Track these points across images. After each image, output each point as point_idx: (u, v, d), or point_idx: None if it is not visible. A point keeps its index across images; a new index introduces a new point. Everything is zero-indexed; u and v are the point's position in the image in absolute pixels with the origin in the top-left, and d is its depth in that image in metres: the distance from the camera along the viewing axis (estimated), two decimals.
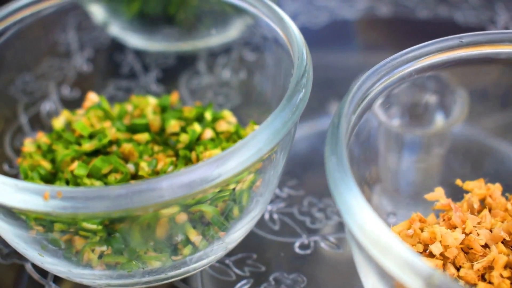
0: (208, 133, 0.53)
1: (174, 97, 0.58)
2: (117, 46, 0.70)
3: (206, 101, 0.64)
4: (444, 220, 0.47)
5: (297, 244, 0.53)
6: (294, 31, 0.48)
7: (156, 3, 0.63)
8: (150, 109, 0.56)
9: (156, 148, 0.53)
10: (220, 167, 0.40)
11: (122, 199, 0.39)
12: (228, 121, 0.55)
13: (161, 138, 0.54)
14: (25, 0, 0.54)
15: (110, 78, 0.67)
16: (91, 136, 0.53)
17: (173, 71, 0.68)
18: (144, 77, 0.67)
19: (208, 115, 0.55)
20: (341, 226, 0.54)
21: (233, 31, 0.66)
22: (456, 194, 0.50)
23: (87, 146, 0.52)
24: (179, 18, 0.66)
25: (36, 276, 0.52)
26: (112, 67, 0.69)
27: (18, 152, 0.58)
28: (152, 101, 0.57)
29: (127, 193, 0.39)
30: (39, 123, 0.62)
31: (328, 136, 0.41)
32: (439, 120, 0.62)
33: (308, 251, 0.53)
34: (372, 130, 0.52)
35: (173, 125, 0.54)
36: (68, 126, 0.56)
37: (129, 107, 0.57)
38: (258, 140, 0.41)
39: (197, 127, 0.53)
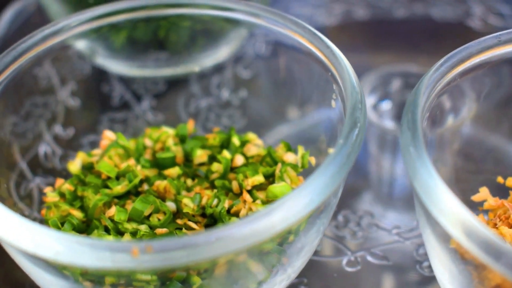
0: (240, 160, 0.51)
1: (190, 125, 0.55)
2: (101, 76, 0.66)
3: (210, 124, 0.62)
4: (501, 220, 0.47)
5: (344, 262, 0.52)
6: (344, 62, 0.46)
7: (145, 28, 0.60)
8: (171, 141, 0.53)
9: (189, 181, 0.50)
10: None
11: (207, 246, 0.36)
12: (255, 144, 0.53)
13: (190, 170, 0.51)
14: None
15: (101, 111, 0.64)
16: (117, 177, 0.50)
17: (167, 97, 0.65)
18: (137, 106, 0.64)
19: (236, 140, 0.52)
20: (382, 237, 0.53)
21: (226, 49, 0.64)
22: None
23: (119, 188, 0.48)
24: (170, 42, 0.63)
25: None
26: (101, 98, 0.65)
27: (24, 199, 0.54)
28: (168, 131, 0.55)
29: (212, 240, 0.37)
30: (40, 167, 0.57)
31: (404, 113, 0.42)
32: (449, 119, 0.62)
33: (359, 267, 0.51)
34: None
35: (201, 155, 0.51)
36: (85, 168, 0.52)
37: (147, 141, 0.54)
38: (323, 181, 0.40)
39: (227, 154, 0.51)
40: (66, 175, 0.56)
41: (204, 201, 0.47)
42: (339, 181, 0.40)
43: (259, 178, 0.48)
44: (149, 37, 0.62)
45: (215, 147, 0.53)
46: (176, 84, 0.66)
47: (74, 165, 0.52)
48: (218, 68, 0.65)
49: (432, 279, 0.50)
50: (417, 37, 0.75)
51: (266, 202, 0.48)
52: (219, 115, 0.63)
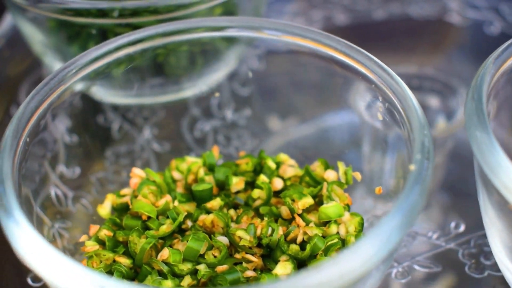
0: (279, 183, 0.49)
1: (216, 152, 0.53)
2: (94, 107, 0.63)
3: (221, 147, 0.60)
4: None
5: (393, 274, 0.51)
6: (410, 96, 0.45)
7: (143, 57, 0.57)
8: (202, 171, 0.50)
9: (232, 212, 0.48)
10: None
11: None
12: (290, 165, 0.51)
13: (229, 199, 0.49)
14: None
15: (103, 145, 0.60)
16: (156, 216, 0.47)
17: (168, 124, 0.62)
18: (139, 136, 0.61)
19: (271, 163, 0.50)
20: (425, 246, 0.53)
21: (226, 67, 0.62)
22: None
23: (164, 228, 0.46)
24: (168, 67, 0.60)
25: None
26: (99, 132, 0.62)
27: None
28: (192, 160, 0.52)
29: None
30: (55, 211, 0.54)
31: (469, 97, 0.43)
32: (441, 123, 0.62)
33: (409, 278, 0.51)
34: None
35: (237, 183, 0.49)
36: (117, 210, 0.49)
37: (175, 174, 0.51)
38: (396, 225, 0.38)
39: (265, 178, 0.49)
40: (80, 218, 0.53)
41: (258, 231, 0.45)
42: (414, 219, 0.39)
43: (308, 201, 0.47)
44: (147, 65, 0.59)
45: (248, 173, 0.51)
46: (174, 109, 0.63)
47: (104, 209, 0.49)
48: (215, 88, 0.63)
49: (480, 280, 0.50)
50: (397, 37, 0.75)
51: (320, 224, 0.47)
52: (228, 137, 0.60)
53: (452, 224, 0.54)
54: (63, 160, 0.57)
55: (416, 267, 0.51)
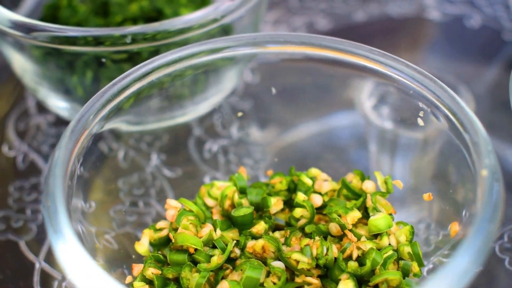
0: (318, 199, 0.48)
1: (244, 173, 0.51)
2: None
3: (233, 166, 0.58)
4: None
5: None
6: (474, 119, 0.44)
7: (149, 87, 0.55)
8: (237, 195, 0.49)
9: (277, 234, 0.47)
10: None
11: None
12: (324, 179, 0.50)
13: (270, 221, 0.48)
14: None
15: (113, 177, 0.58)
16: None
17: (174, 148, 0.60)
18: (148, 164, 0.59)
19: (307, 180, 0.49)
20: None
21: (229, 84, 0.61)
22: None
23: (215, 260, 0.44)
24: (173, 91, 0.58)
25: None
26: (105, 162, 0.59)
27: None
28: (221, 184, 0.51)
29: None
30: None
31: None
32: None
33: None
34: None
35: (276, 203, 0.48)
36: (155, 245, 0.47)
37: (208, 201, 0.49)
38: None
39: (303, 196, 0.48)
40: (108, 254, 0.51)
41: (314, 251, 0.44)
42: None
43: (356, 214, 0.46)
44: (152, 93, 0.57)
45: (283, 191, 0.49)
46: (177, 132, 0.61)
47: (142, 245, 0.47)
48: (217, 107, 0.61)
49: None
50: (379, 37, 0.75)
51: (371, 238, 0.46)
52: (239, 155, 0.59)
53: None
54: (78, 194, 0.55)
55: None
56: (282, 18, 0.75)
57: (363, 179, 0.49)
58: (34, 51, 0.56)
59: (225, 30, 0.58)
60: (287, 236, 0.46)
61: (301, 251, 0.44)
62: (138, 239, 0.48)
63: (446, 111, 0.45)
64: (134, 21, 0.61)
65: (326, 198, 0.49)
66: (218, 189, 0.50)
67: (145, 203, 0.56)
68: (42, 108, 0.65)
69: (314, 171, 0.51)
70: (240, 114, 0.60)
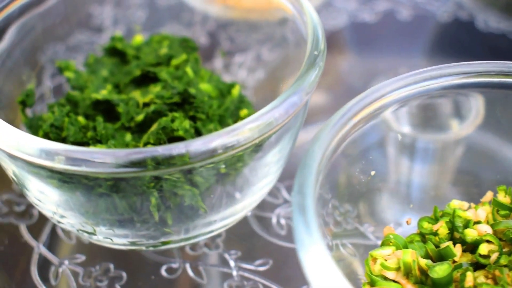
0: (486, 228, 0.47)
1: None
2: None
3: None
4: None
5: None
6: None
7: None
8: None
9: (482, 278, 0.45)
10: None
11: None
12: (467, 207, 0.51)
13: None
14: None
15: None
16: None
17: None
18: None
19: (465, 214, 0.48)
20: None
21: None
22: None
23: None
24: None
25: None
26: None
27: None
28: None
29: None
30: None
31: None
32: (454, 125, 0.65)
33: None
34: None
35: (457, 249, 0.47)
36: None
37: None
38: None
39: (473, 231, 0.47)
40: None
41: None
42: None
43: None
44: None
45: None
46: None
47: None
48: None
49: None
50: (362, 44, 0.79)
51: None
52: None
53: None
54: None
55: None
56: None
57: (510, 193, 0.49)
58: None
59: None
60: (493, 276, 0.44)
61: None
62: None
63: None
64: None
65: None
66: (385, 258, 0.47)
67: None
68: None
69: (454, 203, 0.51)
70: None
